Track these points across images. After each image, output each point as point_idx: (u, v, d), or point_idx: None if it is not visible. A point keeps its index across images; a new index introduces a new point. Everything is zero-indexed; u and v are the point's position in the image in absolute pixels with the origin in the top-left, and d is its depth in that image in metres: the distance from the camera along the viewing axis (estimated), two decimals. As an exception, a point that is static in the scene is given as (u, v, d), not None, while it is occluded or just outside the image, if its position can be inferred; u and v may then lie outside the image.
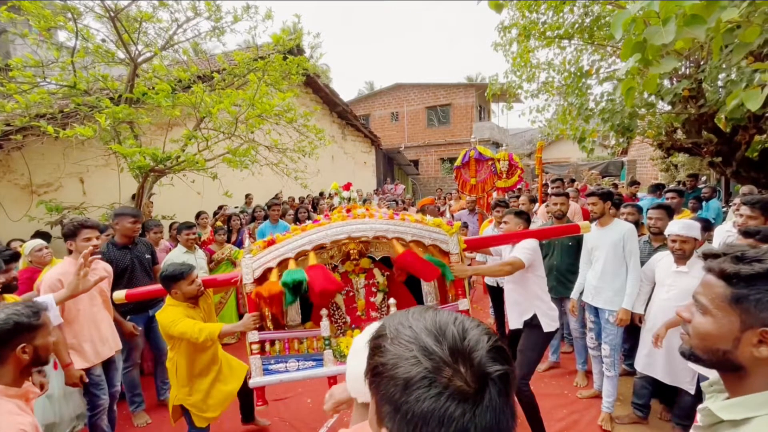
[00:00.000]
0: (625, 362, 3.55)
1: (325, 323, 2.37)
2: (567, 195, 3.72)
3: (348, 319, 2.65)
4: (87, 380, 2.54)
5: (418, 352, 0.49)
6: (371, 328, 0.89)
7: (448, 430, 0.46)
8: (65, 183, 5.31)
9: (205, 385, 2.52)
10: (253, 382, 2.38)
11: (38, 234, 4.34)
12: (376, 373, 0.52)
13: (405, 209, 7.43)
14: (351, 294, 2.68)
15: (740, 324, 0.77)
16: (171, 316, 2.33)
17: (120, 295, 2.50)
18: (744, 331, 0.77)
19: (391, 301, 2.42)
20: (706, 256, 0.87)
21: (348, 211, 2.56)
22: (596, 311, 3.11)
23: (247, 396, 2.86)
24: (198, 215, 5.27)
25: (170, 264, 2.45)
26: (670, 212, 3.16)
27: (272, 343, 2.42)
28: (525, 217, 2.89)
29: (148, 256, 3.39)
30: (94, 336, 2.65)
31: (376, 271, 2.71)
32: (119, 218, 3.21)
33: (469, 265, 3.29)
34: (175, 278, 2.37)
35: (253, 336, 2.34)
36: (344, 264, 2.70)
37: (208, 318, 2.58)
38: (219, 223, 5.53)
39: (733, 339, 0.78)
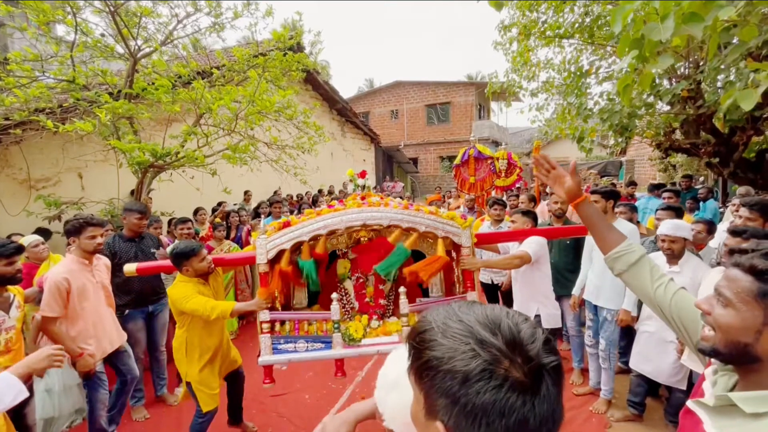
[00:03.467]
0: (621, 360, 3.57)
1: (335, 306, 2.38)
2: None
3: (356, 304, 2.67)
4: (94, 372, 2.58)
5: (475, 344, 0.49)
6: (397, 356, 0.88)
7: (509, 420, 0.46)
8: (64, 178, 5.30)
9: (214, 361, 2.55)
10: (262, 360, 2.38)
11: (39, 231, 4.34)
12: (428, 367, 0.52)
13: (404, 207, 7.45)
14: (361, 280, 2.70)
15: (764, 318, 0.80)
16: (183, 292, 2.34)
17: (131, 268, 2.49)
18: (766, 325, 0.79)
19: (401, 289, 2.43)
20: (733, 252, 0.89)
21: (363, 198, 2.59)
22: (595, 309, 3.14)
23: (236, 396, 2.86)
24: (196, 211, 5.27)
25: (181, 241, 2.46)
26: (679, 214, 3.11)
27: (282, 323, 2.43)
28: (532, 215, 3.06)
29: (153, 250, 3.42)
30: (98, 332, 2.67)
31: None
32: (127, 213, 3.30)
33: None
34: (186, 255, 2.38)
35: (265, 315, 2.35)
36: (354, 251, 2.73)
37: (218, 296, 2.61)
38: (218, 220, 5.53)
39: (755, 332, 0.80)
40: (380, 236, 2.73)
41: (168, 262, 2.54)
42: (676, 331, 1.10)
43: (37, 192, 4.86)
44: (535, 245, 2.76)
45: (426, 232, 2.42)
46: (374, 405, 1.02)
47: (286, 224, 2.37)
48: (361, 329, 2.44)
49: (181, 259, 2.40)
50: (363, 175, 2.84)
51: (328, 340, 2.39)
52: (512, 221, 3.07)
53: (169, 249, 2.41)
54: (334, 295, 2.42)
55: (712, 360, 0.95)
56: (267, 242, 2.33)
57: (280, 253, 2.38)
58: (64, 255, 3.67)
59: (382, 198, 2.62)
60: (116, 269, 3.12)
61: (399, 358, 0.89)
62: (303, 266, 2.43)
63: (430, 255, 2.58)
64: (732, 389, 0.88)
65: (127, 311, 3.21)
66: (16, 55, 3.75)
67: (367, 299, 2.66)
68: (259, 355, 2.40)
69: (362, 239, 2.68)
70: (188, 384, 2.52)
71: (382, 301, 2.67)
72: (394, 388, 0.84)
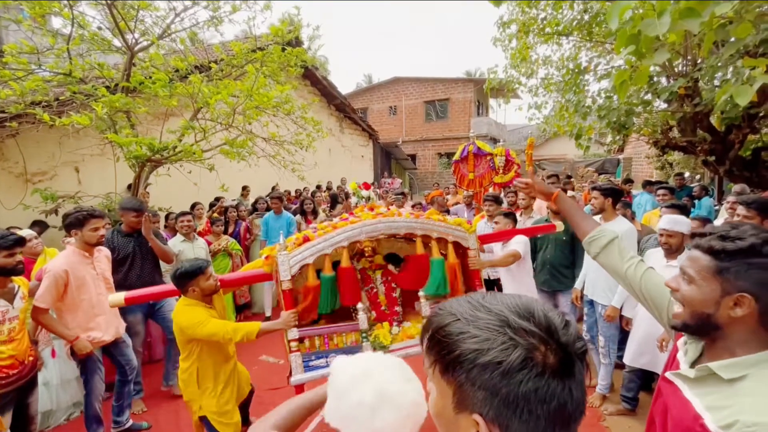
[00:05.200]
0: (616, 354, 3.61)
1: (363, 316, 2.39)
2: (564, 190, 3.77)
3: (374, 314, 2.69)
4: (93, 353, 2.60)
5: (512, 333, 0.49)
6: (353, 377, 0.80)
7: (549, 406, 0.47)
8: (60, 172, 5.28)
9: (229, 388, 2.38)
10: (295, 380, 2.29)
11: (35, 223, 4.33)
12: (461, 361, 0.50)
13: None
14: (374, 290, 2.72)
15: (721, 291, 0.91)
16: (195, 317, 2.13)
17: (118, 298, 2.25)
18: (723, 297, 0.91)
19: (421, 292, 2.53)
20: (694, 235, 1.00)
21: (371, 209, 2.62)
22: (590, 303, 3.18)
23: (243, 406, 2.73)
24: (193, 206, 5.27)
25: (185, 260, 2.29)
26: (684, 211, 3.10)
27: (311, 339, 2.38)
28: (513, 217, 3.51)
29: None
30: (99, 323, 2.68)
31: (391, 267, 2.79)
32: (123, 212, 3.32)
33: None
34: (192, 274, 2.19)
35: (293, 333, 2.27)
36: (360, 261, 2.76)
37: (223, 317, 2.45)
38: (215, 215, 5.53)
39: (715, 303, 0.92)
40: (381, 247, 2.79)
41: (160, 289, 2.38)
42: (646, 306, 1.23)
43: (33, 186, 4.84)
44: (522, 244, 3.15)
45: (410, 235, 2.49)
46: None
47: (306, 239, 2.34)
48: (389, 336, 2.45)
49: (186, 279, 2.18)
50: (367, 186, 2.87)
51: (358, 350, 2.39)
52: (495, 222, 3.45)
53: (171, 271, 2.21)
54: (360, 305, 2.42)
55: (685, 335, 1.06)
56: (289, 258, 2.25)
57: (304, 267, 2.33)
58: (59, 249, 3.67)
59: (388, 209, 2.68)
60: (116, 264, 3.14)
61: (357, 382, 0.81)
62: (323, 280, 2.39)
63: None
64: (700, 355, 1.01)
65: None
66: (11, 48, 3.72)
67: (382, 308, 2.69)
68: (290, 375, 2.33)
69: (366, 249, 2.69)
70: (203, 419, 2.29)
71: (396, 308, 2.71)
72: (383, 405, 0.76)
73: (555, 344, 0.49)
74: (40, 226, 4.33)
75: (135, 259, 3.30)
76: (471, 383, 0.49)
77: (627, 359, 2.89)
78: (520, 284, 3.32)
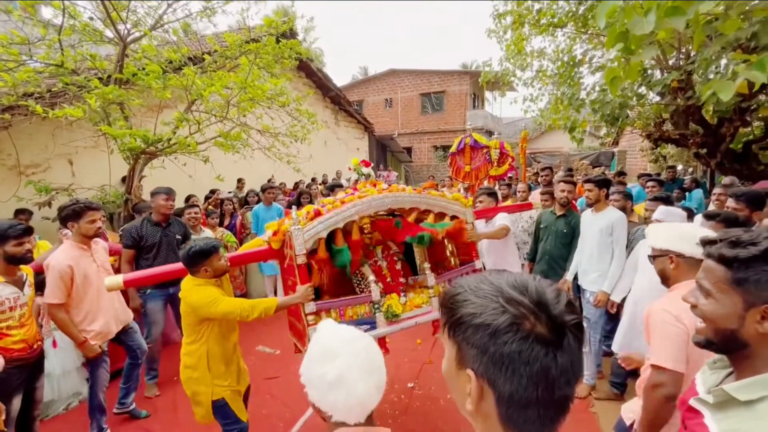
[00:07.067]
0: (605, 343, 3.70)
1: (374, 288, 2.45)
2: (574, 183, 3.78)
3: (381, 285, 2.72)
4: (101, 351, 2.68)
5: (504, 302, 0.55)
6: (321, 355, 0.94)
7: (532, 368, 0.52)
8: (54, 164, 5.24)
9: (235, 372, 2.30)
10: None
11: (19, 212, 4.34)
12: (460, 323, 0.58)
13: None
14: (378, 264, 2.79)
15: (743, 303, 0.83)
16: (209, 295, 2.09)
17: (116, 281, 2.18)
18: (747, 310, 0.83)
19: (426, 264, 2.72)
20: (704, 243, 0.92)
21: (373, 185, 2.70)
22: (579, 291, 3.28)
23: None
24: (188, 199, 5.27)
25: (199, 239, 2.25)
26: (668, 203, 3.16)
27: (327, 312, 2.39)
28: (495, 196, 3.81)
29: (179, 236, 3.51)
30: (105, 315, 2.71)
31: (390, 242, 2.86)
32: (154, 196, 3.43)
33: None
34: (207, 253, 2.13)
35: (310, 307, 2.29)
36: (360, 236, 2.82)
37: (229, 296, 2.30)
38: (211, 207, 5.53)
39: (738, 318, 0.84)
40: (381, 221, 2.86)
41: (161, 270, 2.35)
42: None
43: (27, 178, 4.81)
44: (508, 220, 3.44)
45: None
46: None
47: (317, 213, 2.35)
48: (400, 306, 2.53)
49: (200, 258, 2.12)
50: (368, 164, 2.92)
51: (372, 321, 2.45)
52: (479, 201, 3.63)
53: (182, 251, 2.17)
54: (372, 278, 2.50)
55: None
56: (303, 233, 2.25)
57: (318, 242, 2.35)
58: (52, 241, 3.67)
59: (389, 185, 2.77)
60: (142, 252, 3.29)
61: (326, 357, 0.93)
62: (338, 251, 2.43)
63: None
64: (728, 376, 0.92)
65: (148, 291, 3.30)
66: (2, 38, 3.67)
67: (387, 280, 2.75)
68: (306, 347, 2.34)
69: (364, 226, 2.75)
70: (216, 403, 2.18)
71: (401, 279, 2.80)
72: (338, 387, 0.89)
73: (545, 316, 0.54)
74: (25, 214, 4.34)
75: (161, 248, 3.40)
76: (466, 342, 0.57)
77: (615, 347, 2.97)
78: (503, 262, 3.58)
